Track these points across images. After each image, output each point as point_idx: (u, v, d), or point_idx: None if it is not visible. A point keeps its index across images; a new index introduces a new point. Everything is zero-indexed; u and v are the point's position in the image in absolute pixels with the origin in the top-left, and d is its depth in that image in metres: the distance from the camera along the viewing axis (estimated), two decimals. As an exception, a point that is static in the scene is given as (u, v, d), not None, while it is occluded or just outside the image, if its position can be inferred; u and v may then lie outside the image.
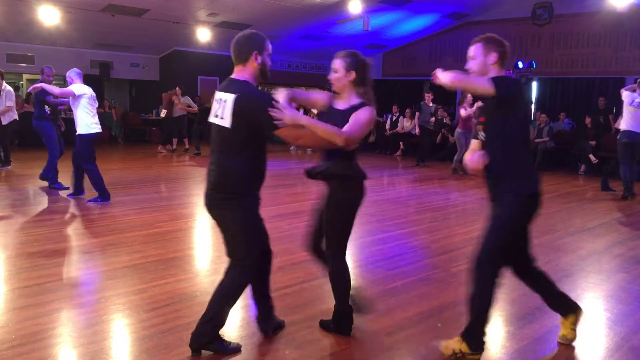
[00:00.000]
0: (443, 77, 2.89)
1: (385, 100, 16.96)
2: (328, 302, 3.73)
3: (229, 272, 2.98)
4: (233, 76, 2.89)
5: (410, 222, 6.38)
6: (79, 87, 6.70)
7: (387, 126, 14.40)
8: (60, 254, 4.73)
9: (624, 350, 3.11)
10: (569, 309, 3.15)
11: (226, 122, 2.78)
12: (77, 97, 6.61)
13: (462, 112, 10.30)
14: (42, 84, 7.09)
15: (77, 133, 6.71)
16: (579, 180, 10.24)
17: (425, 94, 12.35)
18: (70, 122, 7.91)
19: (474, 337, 2.94)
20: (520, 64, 13.72)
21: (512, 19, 14.80)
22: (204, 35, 13.48)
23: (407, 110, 14.12)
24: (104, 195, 6.80)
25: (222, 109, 2.81)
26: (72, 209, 6.55)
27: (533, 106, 14.91)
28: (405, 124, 13.92)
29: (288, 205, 7.05)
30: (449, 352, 2.95)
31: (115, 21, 12.19)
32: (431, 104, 12.16)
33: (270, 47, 3.02)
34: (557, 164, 12.21)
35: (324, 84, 20.11)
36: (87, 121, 6.67)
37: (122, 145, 14.73)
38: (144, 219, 5.98)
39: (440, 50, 16.40)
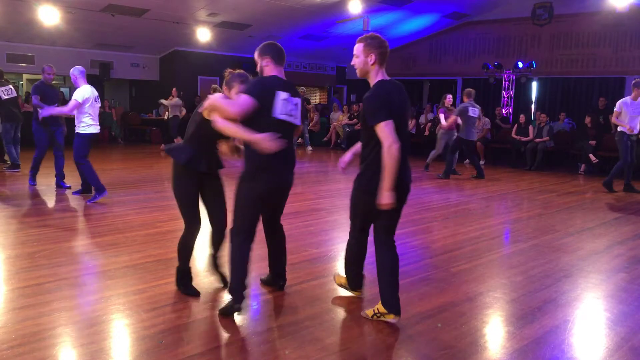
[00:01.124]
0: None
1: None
2: (328, 302, 3.73)
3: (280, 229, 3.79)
4: (282, 77, 3.42)
5: (410, 222, 6.37)
6: (82, 93, 6.69)
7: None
8: (60, 254, 4.73)
9: (624, 350, 3.12)
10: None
11: (298, 121, 3.45)
12: (82, 104, 6.67)
13: (442, 116, 10.32)
14: (51, 109, 7.03)
15: (75, 131, 6.78)
16: (579, 180, 10.23)
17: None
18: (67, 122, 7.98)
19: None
20: (520, 64, 13.75)
21: (512, 19, 14.80)
22: (204, 35, 13.49)
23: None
24: (99, 190, 6.83)
25: (297, 110, 3.43)
26: (72, 209, 6.55)
27: (533, 106, 14.93)
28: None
29: (288, 205, 7.03)
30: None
31: (115, 21, 12.19)
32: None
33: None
34: (557, 164, 12.21)
35: (324, 83, 20.15)
36: (87, 122, 6.74)
37: (122, 145, 14.72)
38: (144, 219, 5.98)
39: (440, 50, 16.41)
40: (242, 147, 3.50)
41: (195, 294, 3.74)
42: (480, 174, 9.87)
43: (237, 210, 3.37)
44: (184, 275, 3.82)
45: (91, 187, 7.04)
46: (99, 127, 6.95)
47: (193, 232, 3.73)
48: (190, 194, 3.64)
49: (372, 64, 3.23)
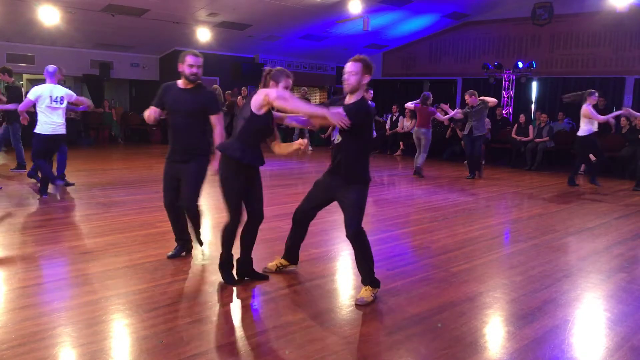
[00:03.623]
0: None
1: (385, 100, 17.07)
2: (328, 302, 3.74)
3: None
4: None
5: (410, 222, 6.37)
6: (34, 92, 6.87)
7: (387, 126, 14.40)
8: (60, 254, 4.73)
9: (624, 350, 3.12)
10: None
11: None
12: (35, 101, 6.85)
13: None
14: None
15: (33, 130, 6.96)
16: (579, 180, 10.22)
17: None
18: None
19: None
20: (520, 64, 13.75)
21: (512, 19, 14.81)
22: (204, 35, 13.49)
23: (407, 110, 14.13)
24: (52, 180, 7.01)
25: None
26: (72, 209, 6.55)
27: (533, 106, 14.93)
28: (405, 123, 13.93)
29: (288, 205, 7.04)
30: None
31: (115, 21, 12.19)
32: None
33: (189, 59, 4.19)
34: (557, 164, 12.21)
35: (324, 83, 20.16)
36: (42, 120, 6.88)
37: (122, 145, 14.72)
38: (144, 219, 5.98)
39: (440, 50, 16.41)
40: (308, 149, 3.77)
41: (234, 282, 3.99)
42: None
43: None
44: (227, 263, 4.01)
45: (57, 176, 7.23)
46: (58, 129, 6.94)
47: (238, 223, 3.90)
48: (241, 188, 3.82)
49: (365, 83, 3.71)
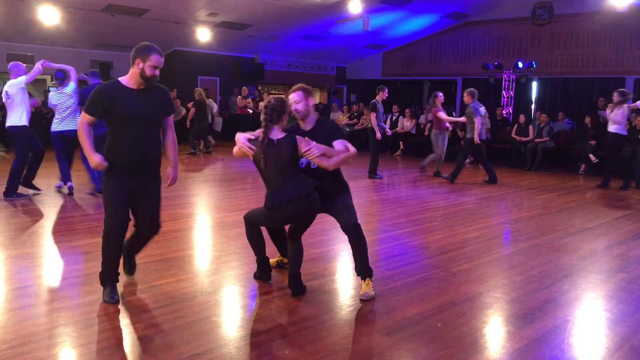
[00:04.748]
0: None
1: (386, 100, 17.07)
2: (328, 302, 3.74)
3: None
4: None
5: (410, 222, 6.37)
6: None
7: (387, 126, 14.38)
8: (60, 254, 4.73)
9: (624, 350, 3.12)
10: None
11: None
12: (5, 102, 6.99)
13: (442, 115, 10.05)
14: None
15: None
16: (579, 180, 10.23)
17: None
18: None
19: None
20: (520, 64, 13.75)
21: (512, 19, 14.81)
22: (204, 35, 13.49)
23: (407, 110, 14.13)
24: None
25: None
26: (72, 209, 6.55)
27: (533, 106, 14.92)
28: (406, 123, 13.93)
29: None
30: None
31: (115, 21, 12.19)
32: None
33: (154, 58, 3.45)
34: (557, 164, 12.21)
35: (324, 83, 20.12)
36: None
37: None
38: (144, 219, 5.96)
39: (440, 50, 16.41)
40: None
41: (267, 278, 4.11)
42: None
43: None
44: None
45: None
46: (8, 122, 6.94)
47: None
48: None
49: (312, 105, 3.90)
